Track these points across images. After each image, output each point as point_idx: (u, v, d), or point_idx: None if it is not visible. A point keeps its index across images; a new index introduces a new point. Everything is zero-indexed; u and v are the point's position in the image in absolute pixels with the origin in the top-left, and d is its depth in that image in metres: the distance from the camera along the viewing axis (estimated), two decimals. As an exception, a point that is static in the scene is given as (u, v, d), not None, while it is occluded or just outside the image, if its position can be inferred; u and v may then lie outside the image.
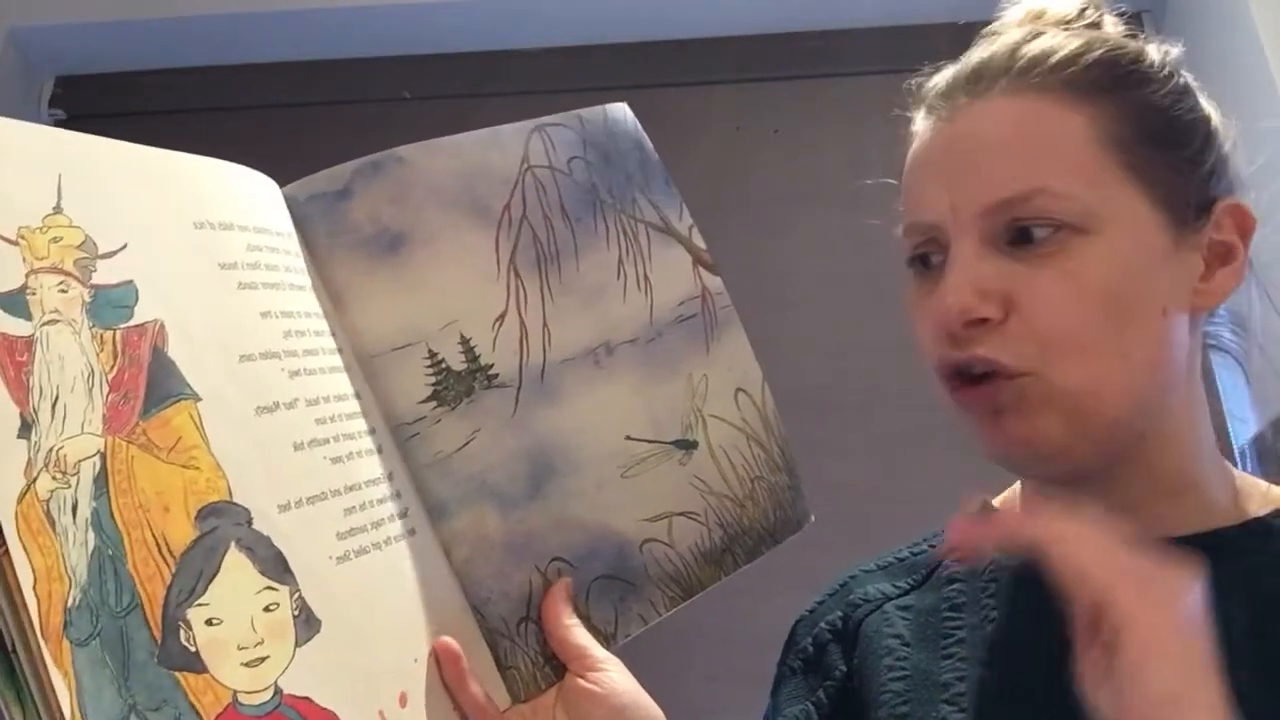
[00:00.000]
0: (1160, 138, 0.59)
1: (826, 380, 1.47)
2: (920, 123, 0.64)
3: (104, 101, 1.67)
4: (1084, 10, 0.63)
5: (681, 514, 0.67)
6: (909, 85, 0.66)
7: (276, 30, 1.63)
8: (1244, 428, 1.15)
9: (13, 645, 0.40)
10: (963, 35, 0.65)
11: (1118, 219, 0.57)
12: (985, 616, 0.62)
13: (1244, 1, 1.39)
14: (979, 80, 0.60)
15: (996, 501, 0.69)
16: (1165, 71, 0.61)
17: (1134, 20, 0.65)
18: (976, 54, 0.62)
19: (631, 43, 1.66)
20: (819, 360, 1.48)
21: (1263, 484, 0.63)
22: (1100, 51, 0.60)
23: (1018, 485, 0.68)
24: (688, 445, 0.68)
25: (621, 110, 0.73)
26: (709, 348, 0.71)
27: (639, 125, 0.74)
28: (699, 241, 0.73)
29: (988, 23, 0.65)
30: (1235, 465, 0.65)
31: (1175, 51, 0.62)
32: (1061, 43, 0.60)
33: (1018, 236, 0.57)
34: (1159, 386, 0.58)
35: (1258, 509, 0.61)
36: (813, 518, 0.73)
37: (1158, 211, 0.57)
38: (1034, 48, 0.60)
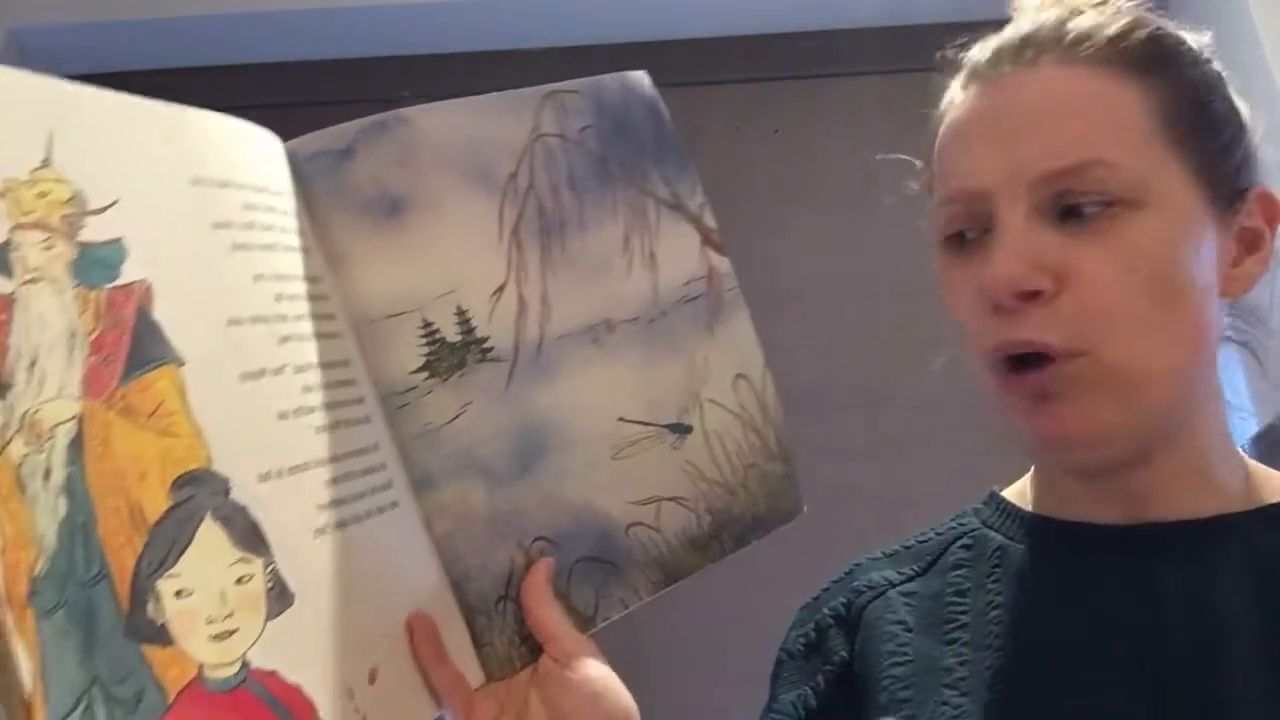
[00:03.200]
0: (1202, 120, 0.58)
1: (826, 380, 1.46)
2: (959, 92, 0.62)
3: (103, 101, 1.66)
4: None
5: (671, 499, 0.65)
6: (942, 55, 0.64)
7: (276, 30, 1.62)
8: (1245, 423, 1.14)
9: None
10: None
11: (1166, 194, 0.56)
12: (989, 602, 0.61)
13: (1244, 1, 1.39)
14: (1025, 50, 0.59)
15: (1006, 494, 0.68)
16: (1204, 56, 0.61)
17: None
18: (1018, 28, 0.61)
19: (631, 43, 1.65)
20: (819, 360, 1.47)
21: (1276, 474, 0.63)
22: (1149, 30, 0.59)
23: (1027, 478, 0.67)
24: (682, 430, 0.66)
25: (639, 78, 0.70)
26: (713, 329, 0.69)
27: (658, 96, 0.70)
28: (710, 221, 0.70)
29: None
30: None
31: (1206, 39, 0.62)
32: (1110, 19, 0.59)
33: (1068, 210, 0.55)
34: (1199, 368, 0.58)
35: (1270, 497, 0.60)
36: (805, 508, 0.72)
37: (1200, 191, 0.57)
38: (1083, 22, 0.59)
